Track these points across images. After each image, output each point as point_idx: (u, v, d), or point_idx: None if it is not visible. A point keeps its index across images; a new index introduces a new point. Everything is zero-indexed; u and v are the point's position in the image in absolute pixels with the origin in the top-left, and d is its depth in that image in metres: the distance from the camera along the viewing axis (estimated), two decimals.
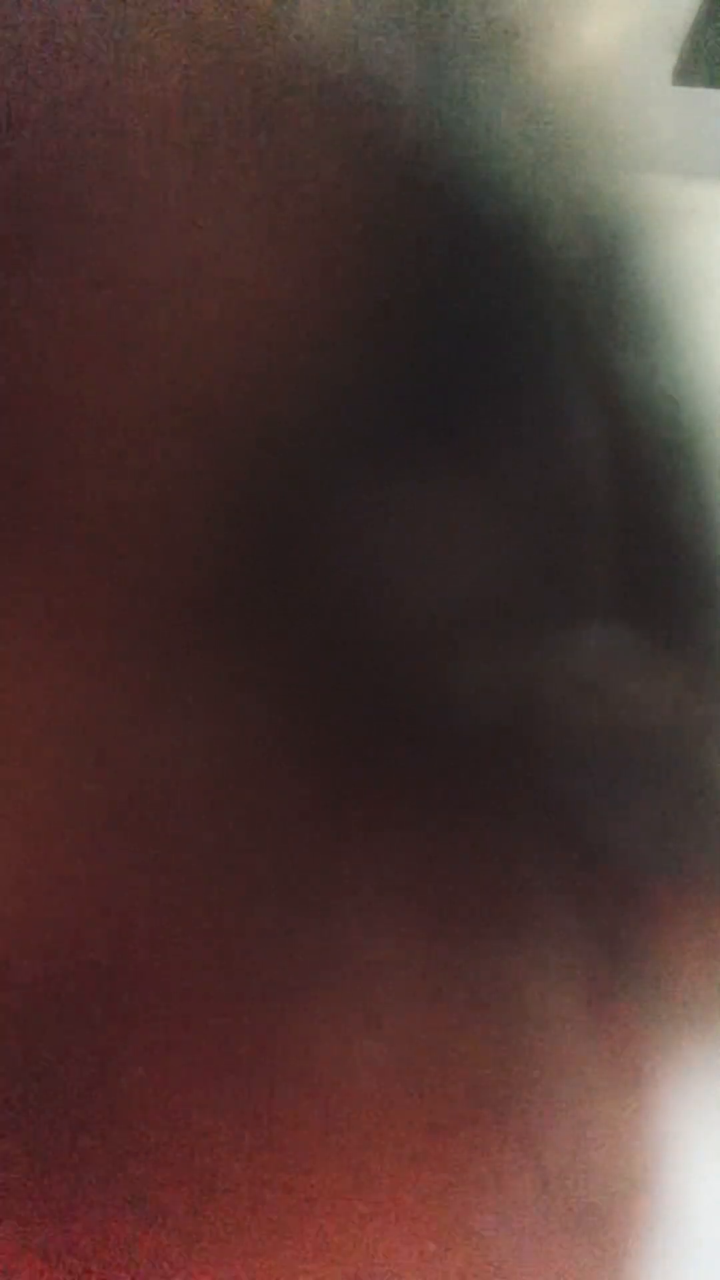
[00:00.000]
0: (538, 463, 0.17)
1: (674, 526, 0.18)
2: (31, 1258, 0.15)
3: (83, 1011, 0.15)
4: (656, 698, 0.18)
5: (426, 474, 0.17)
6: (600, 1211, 0.18)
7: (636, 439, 0.18)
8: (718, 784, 0.18)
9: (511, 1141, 0.17)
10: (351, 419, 0.16)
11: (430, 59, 0.18)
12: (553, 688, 0.17)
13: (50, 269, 0.16)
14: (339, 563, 0.16)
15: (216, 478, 0.16)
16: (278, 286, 0.16)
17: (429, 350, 0.17)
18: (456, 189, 0.17)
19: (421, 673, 0.16)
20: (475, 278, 0.17)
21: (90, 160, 0.16)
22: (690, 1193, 0.18)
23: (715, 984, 0.18)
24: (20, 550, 0.15)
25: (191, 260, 0.16)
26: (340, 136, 0.17)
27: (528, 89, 0.18)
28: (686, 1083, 0.18)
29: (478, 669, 0.17)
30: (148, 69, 0.16)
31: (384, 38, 0.17)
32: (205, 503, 0.16)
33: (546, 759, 0.17)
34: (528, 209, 0.18)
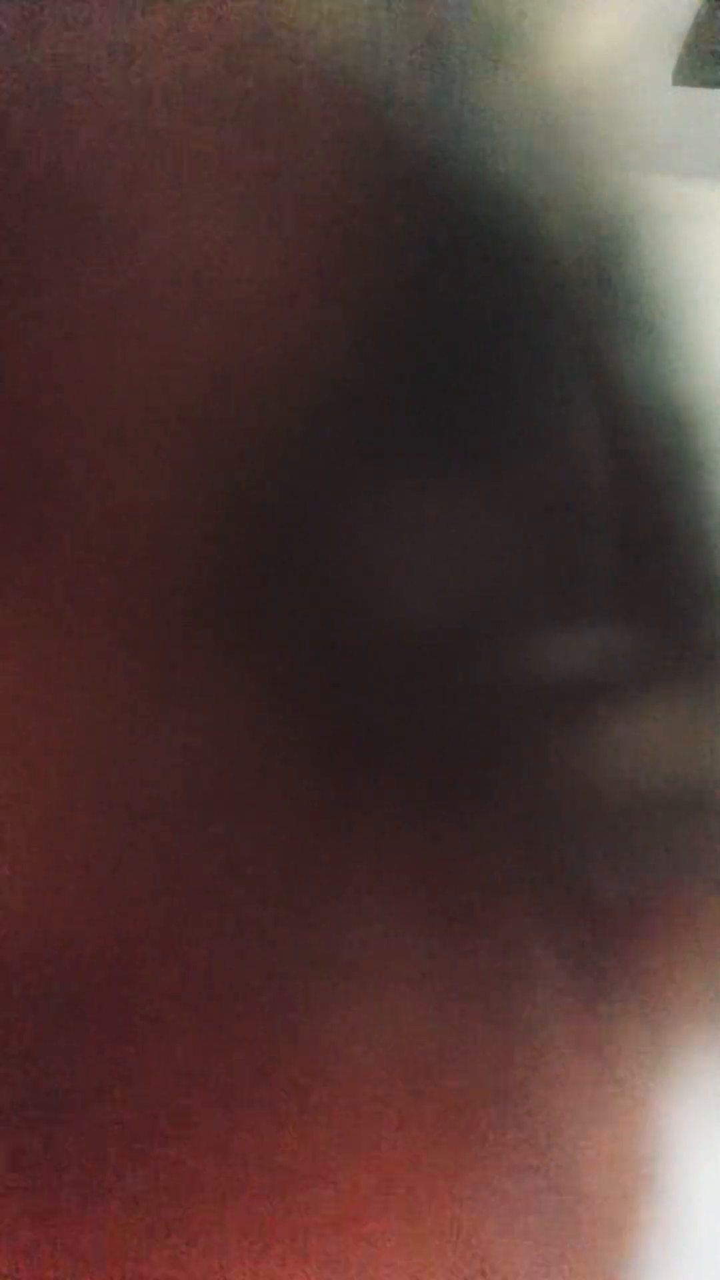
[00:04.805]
0: (538, 463, 0.17)
1: (674, 527, 0.18)
2: (32, 1257, 0.15)
3: (86, 1011, 0.15)
4: (656, 705, 0.18)
5: (426, 475, 0.17)
6: (601, 1213, 0.18)
7: (636, 439, 0.18)
8: (715, 794, 0.18)
9: (512, 1142, 0.17)
10: (351, 419, 0.16)
11: (430, 59, 0.18)
12: (552, 690, 0.17)
13: (49, 271, 0.16)
14: (341, 563, 0.16)
15: (218, 479, 0.16)
16: (276, 285, 0.16)
17: (428, 350, 0.17)
18: (455, 189, 0.17)
19: (423, 674, 0.16)
20: (475, 277, 0.17)
21: (89, 163, 0.16)
22: (691, 1194, 0.18)
23: (713, 988, 0.18)
24: (20, 552, 0.15)
25: (191, 261, 0.16)
26: (339, 137, 0.17)
27: (527, 88, 0.18)
28: (687, 1084, 0.18)
29: (479, 670, 0.17)
30: (148, 73, 0.16)
31: (383, 37, 0.17)
32: (206, 504, 0.16)
33: (545, 761, 0.17)
34: (527, 209, 0.18)
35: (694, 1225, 0.18)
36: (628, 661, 0.18)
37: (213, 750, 0.16)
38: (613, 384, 0.18)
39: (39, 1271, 0.15)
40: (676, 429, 0.19)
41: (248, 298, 0.16)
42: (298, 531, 0.16)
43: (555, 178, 0.18)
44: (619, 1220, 0.18)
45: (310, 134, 0.17)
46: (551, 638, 0.17)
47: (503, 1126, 0.17)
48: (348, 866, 0.16)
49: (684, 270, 0.19)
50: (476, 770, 0.17)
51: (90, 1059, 0.15)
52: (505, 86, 0.18)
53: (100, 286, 0.16)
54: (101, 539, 0.15)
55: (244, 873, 0.16)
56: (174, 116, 0.16)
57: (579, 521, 0.17)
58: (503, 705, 0.17)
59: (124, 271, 0.16)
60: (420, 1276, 0.17)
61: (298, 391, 0.16)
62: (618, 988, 0.18)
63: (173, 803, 0.15)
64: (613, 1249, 0.18)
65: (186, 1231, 0.16)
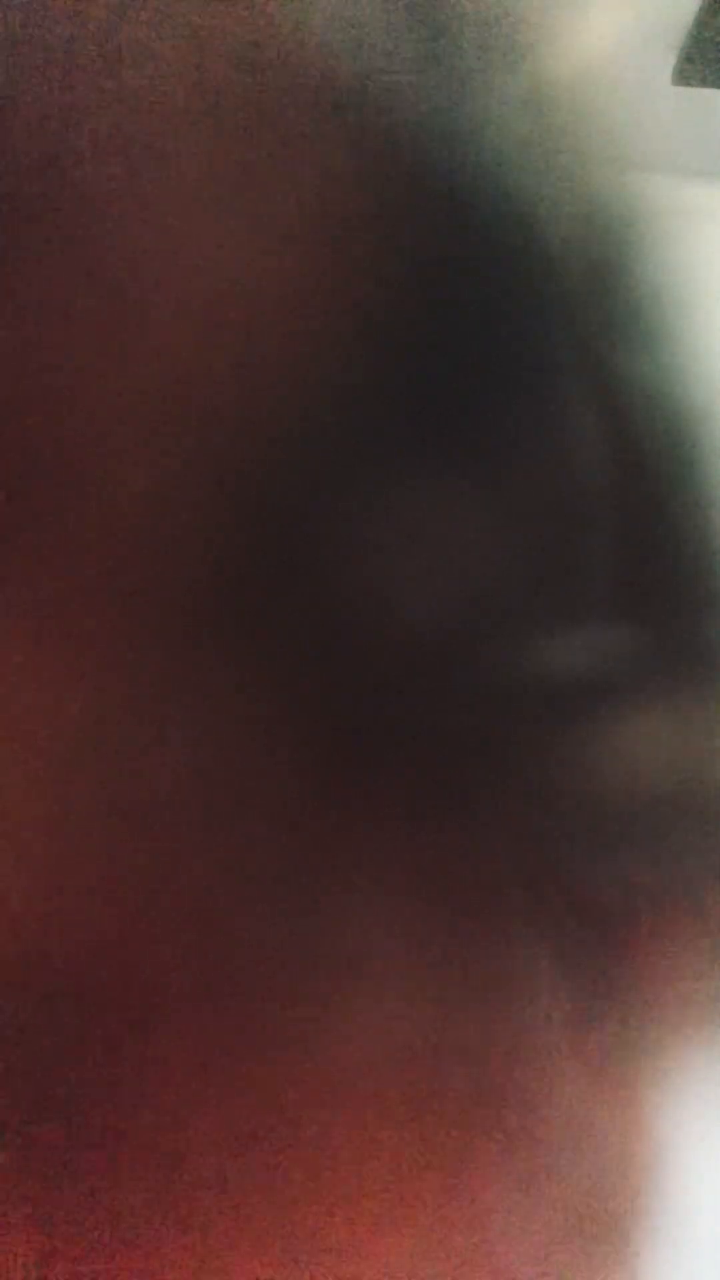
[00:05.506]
0: (538, 464, 0.17)
1: (674, 527, 0.18)
2: (30, 1257, 0.15)
3: (87, 1011, 0.15)
4: (656, 705, 0.18)
5: (428, 476, 0.17)
6: (602, 1213, 0.18)
7: (636, 439, 0.18)
8: (712, 796, 0.18)
9: (511, 1143, 0.17)
10: (353, 420, 0.16)
11: (432, 59, 0.18)
12: (552, 691, 0.17)
13: (52, 274, 0.16)
14: (341, 564, 0.16)
15: (219, 480, 0.16)
16: (279, 287, 0.16)
17: (429, 352, 0.17)
18: (458, 189, 0.17)
19: (423, 674, 0.16)
20: (475, 279, 0.17)
21: (93, 163, 0.16)
22: (689, 1193, 0.18)
23: (712, 988, 0.18)
24: (22, 553, 0.15)
25: (194, 261, 0.16)
26: (342, 137, 0.17)
27: (529, 89, 0.18)
28: (686, 1084, 0.18)
29: (479, 671, 0.17)
30: (152, 71, 0.16)
31: (386, 39, 0.17)
32: (208, 505, 0.16)
33: (545, 761, 0.17)
34: (528, 209, 0.18)
35: (694, 1225, 0.18)
36: (628, 662, 0.18)
37: (213, 749, 0.16)
38: (613, 384, 0.18)
39: (43, 1271, 0.15)
40: (676, 429, 0.19)
41: (249, 300, 0.16)
42: (298, 531, 0.16)
43: (556, 178, 0.18)
44: (620, 1220, 0.18)
45: (313, 135, 0.17)
46: (551, 638, 0.17)
47: (503, 1128, 0.17)
48: (347, 866, 0.16)
49: (684, 270, 0.19)
50: (476, 770, 0.17)
51: (93, 1059, 0.15)
52: (506, 88, 0.18)
53: (102, 290, 0.16)
54: (103, 540, 0.15)
55: (244, 872, 0.16)
56: (176, 121, 0.16)
57: (579, 522, 0.17)
58: (502, 706, 0.17)
59: (127, 274, 0.16)
60: (423, 1277, 0.17)
61: (299, 393, 0.16)
62: (617, 988, 0.18)
63: (173, 802, 0.15)
64: (614, 1249, 0.18)
65: (189, 1229, 0.16)
